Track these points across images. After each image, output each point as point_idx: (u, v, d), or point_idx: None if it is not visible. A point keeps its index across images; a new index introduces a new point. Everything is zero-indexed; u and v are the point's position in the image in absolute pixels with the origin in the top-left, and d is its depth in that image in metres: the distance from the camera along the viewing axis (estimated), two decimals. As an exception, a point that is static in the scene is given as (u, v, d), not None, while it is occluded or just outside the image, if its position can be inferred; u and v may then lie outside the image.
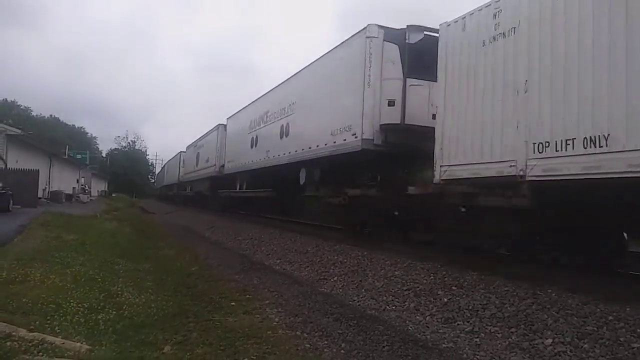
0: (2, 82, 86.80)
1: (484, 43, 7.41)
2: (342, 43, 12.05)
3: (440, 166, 8.14)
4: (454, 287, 6.64)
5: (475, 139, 7.49)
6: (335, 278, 8.59)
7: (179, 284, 7.63)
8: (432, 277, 7.19)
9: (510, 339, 5.02)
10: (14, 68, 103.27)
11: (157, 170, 78.82)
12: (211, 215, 24.13)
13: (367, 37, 10.50)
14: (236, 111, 23.28)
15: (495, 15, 7.22)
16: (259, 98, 19.56)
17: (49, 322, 4.67)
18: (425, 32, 10.04)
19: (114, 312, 5.32)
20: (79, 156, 49.45)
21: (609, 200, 6.03)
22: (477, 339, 5.21)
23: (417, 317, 6.15)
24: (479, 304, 5.94)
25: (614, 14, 5.44)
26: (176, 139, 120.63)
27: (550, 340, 4.75)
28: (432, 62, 8.70)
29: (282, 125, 15.75)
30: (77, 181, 44.44)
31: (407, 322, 6.06)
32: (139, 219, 25.41)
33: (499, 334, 5.20)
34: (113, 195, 65.51)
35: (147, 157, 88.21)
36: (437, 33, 8.84)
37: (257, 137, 18.85)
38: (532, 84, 6.52)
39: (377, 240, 10.58)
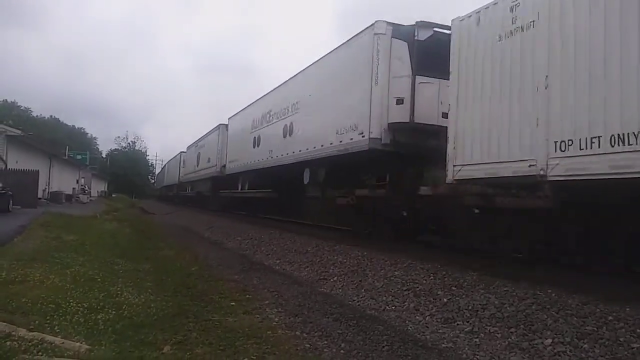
0: (2, 83, 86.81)
1: (500, 38, 7.13)
2: (348, 40, 11.77)
3: (454, 166, 7.86)
4: (453, 287, 6.63)
5: (491, 138, 7.19)
6: (335, 278, 8.59)
7: (178, 284, 7.62)
8: (431, 277, 7.19)
9: (509, 339, 5.02)
10: (14, 68, 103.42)
11: (157, 170, 78.98)
12: (211, 216, 24.15)
13: (375, 34, 10.25)
14: (238, 111, 23.11)
15: (512, 9, 6.94)
16: (261, 97, 19.35)
17: (48, 321, 4.66)
18: (435, 29, 9.84)
19: (114, 312, 5.31)
20: (79, 157, 49.44)
21: (634, 200, 5.75)
22: (477, 339, 5.21)
23: (417, 317, 6.15)
24: (479, 304, 5.94)
25: None
26: (176, 139, 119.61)
27: (549, 341, 4.75)
28: (441, 59, 8.40)
29: (286, 125, 15.49)
30: (77, 182, 44.47)
31: (407, 322, 6.07)
32: (139, 219, 25.39)
33: (498, 334, 5.20)
34: (113, 195, 65.48)
35: (147, 157, 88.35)
36: (447, 29, 8.59)
37: (259, 136, 18.64)
38: (553, 80, 6.20)
39: (377, 240, 10.57)
